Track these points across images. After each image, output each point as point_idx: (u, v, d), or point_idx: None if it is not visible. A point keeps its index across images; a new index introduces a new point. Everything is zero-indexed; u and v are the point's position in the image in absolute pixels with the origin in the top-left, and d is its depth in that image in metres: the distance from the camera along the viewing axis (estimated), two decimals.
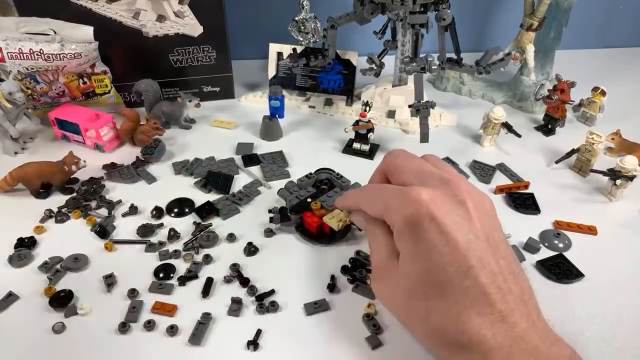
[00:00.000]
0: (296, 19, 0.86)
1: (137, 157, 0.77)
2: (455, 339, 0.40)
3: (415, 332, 0.46)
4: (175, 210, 0.67)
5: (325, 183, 0.67)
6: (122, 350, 0.49)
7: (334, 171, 0.70)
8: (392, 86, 0.88)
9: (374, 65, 0.84)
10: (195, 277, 0.57)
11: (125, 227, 0.64)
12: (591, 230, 0.65)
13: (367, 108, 0.77)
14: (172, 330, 0.50)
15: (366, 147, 0.79)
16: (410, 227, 0.42)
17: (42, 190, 0.69)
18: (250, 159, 0.78)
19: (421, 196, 0.42)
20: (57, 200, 0.68)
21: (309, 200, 0.63)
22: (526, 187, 0.73)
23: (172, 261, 0.60)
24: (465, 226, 0.41)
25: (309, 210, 0.62)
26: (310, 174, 0.69)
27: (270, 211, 0.66)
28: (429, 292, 0.41)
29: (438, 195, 0.42)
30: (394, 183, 0.49)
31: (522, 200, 0.70)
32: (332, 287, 0.56)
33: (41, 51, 0.76)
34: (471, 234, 0.41)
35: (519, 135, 0.81)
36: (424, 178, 0.45)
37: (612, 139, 0.80)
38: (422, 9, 0.72)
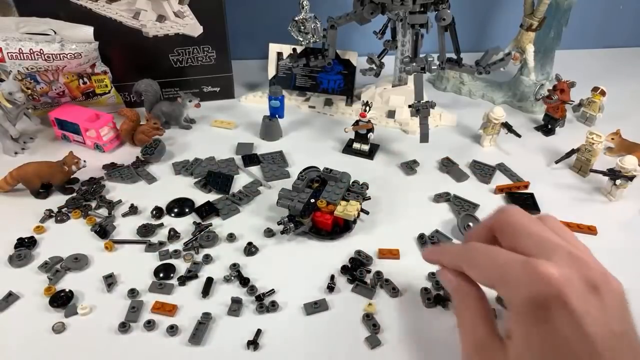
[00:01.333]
0: (296, 19, 0.86)
1: (137, 157, 0.77)
2: None
3: None
4: (175, 210, 0.67)
5: (317, 181, 0.67)
6: (122, 350, 0.49)
7: (319, 168, 0.69)
8: (392, 86, 0.88)
9: (374, 65, 0.84)
10: (195, 277, 0.57)
11: (126, 227, 0.64)
12: (591, 230, 0.65)
13: (367, 108, 0.77)
14: (172, 330, 0.51)
15: (366, 147, 0.79)
16: (536, 309, 0.35)
17: (42, 190, 0.69)
18: (250, 159, 0.78)
19: (553, 274, 0.34)
20: (57, 200, 0.68)
21: (312, 200, 0.63)
22: (526, 187, 0.73)
23: (172, 261, 0.60)
24: (600, 318, 0.34)
25: (316, 210, 0.62)
26: (302, 175, 0.69)
27: (279, 223, 0.63)
28: None
29: (571, 276, 0.35)
30: (505, 246, 0.41)
31: (522, 200, 0.70)
32: (332, 287, 0.56)
33: (41, 51, 0.76)
34: (607, 328, 0.34)
35: (518, 135, 0.81)
36: (548, 249, 0.37)
37: (612, 139, 0.80)
38: (422, 9, 0.72)
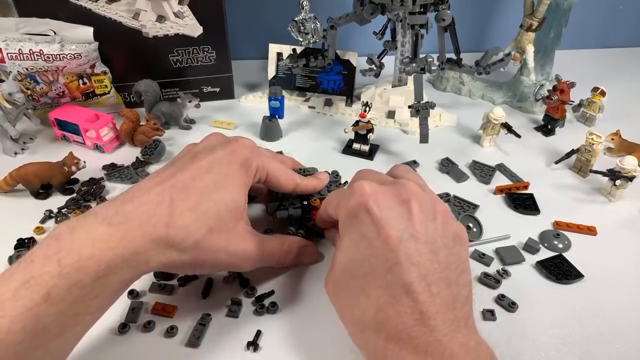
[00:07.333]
0: (296, 19, 0.86)
1: (137, 157, 0.77)
2: (373, 337, 0.40)
3: (346, 327, 0.45)
4: None
5: None
6: (122, 351, 0.49)
7: None
8: (392, 87, 0.88)
9: (373, 66, 0.84)
10: (195, 277, 0.57)
11: None
12: (591, 231, 0.65)
13: (367, 108, 0.77)
14: (172, 331, 0.51)
15: (366, 148, 0.79)
16: (349, 218, 0.43)
17: (42, 191, 0.69)
18: None
19: (363, 189, 0.43)
20: (57, 200, 0.68)
21: (304, 203, 0.62)
22: (526, 187, 0.73)
23: None
24: (401, 224, 0.41)
25: (313, 210, 0.62)
26: None
27: (290, 232, 0.61)
28: (353, 284, 0.42)
29: (381, 191, 0.43)
30: None
31: (522, 201, 0.70)
32: None
33: (41, 52, 0.76)
34: (407, 232, 0.40)
35: (518, 136, 0.81)
36: (380, 181, 0.46)
37: (612, 139, 0.80)
38: (422, 10, 0.72)
